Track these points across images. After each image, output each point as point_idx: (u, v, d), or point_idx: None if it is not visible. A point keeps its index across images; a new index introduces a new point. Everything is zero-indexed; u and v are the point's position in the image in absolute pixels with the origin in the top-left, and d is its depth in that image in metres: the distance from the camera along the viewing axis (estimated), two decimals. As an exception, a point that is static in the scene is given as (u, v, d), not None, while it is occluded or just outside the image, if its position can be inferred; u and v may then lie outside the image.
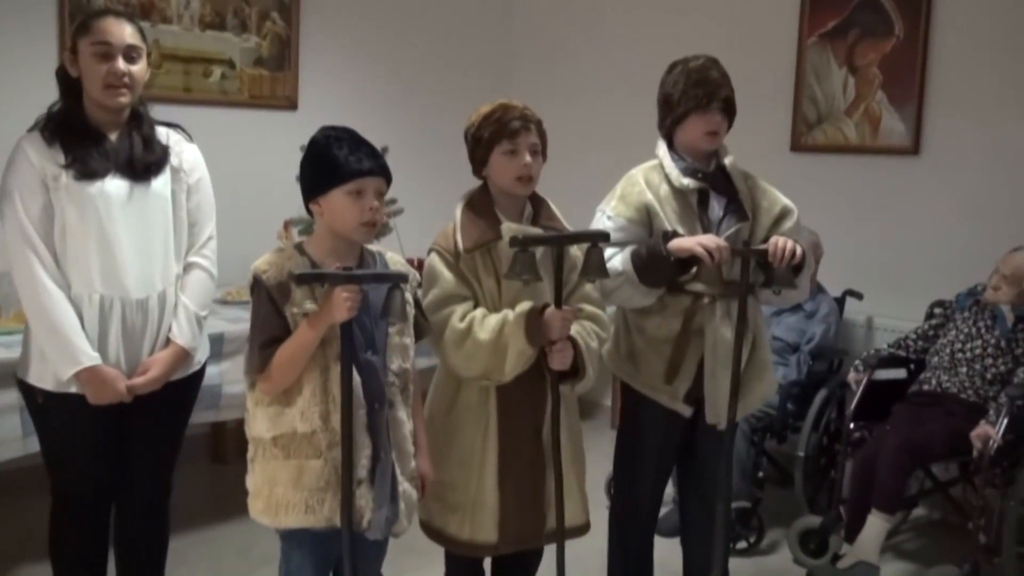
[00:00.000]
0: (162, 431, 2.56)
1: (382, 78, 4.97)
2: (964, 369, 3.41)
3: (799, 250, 2.48)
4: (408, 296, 2.25)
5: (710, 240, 2.45)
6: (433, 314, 2.37)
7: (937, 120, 4.03)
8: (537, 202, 2.52)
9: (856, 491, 3.29)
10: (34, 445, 2.68)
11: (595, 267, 2.33)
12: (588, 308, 2.46)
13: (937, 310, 3.72)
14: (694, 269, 2.54)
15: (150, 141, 2.46)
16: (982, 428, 3.13)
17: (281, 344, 2.11)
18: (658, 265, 2.49)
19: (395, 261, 2.32)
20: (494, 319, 2.34)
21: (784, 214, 2.67)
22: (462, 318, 2.35)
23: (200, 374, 2.62)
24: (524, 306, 2.33)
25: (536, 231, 2.40)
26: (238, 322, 3.41)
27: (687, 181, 2.60)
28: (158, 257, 2.45)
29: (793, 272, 2.50)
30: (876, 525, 3.17)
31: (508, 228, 2.38)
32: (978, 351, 3.40)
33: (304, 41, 4.62)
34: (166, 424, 2.56)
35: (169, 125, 2.56)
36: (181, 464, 2.68)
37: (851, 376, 3.60)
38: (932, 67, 4.02)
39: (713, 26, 4.63)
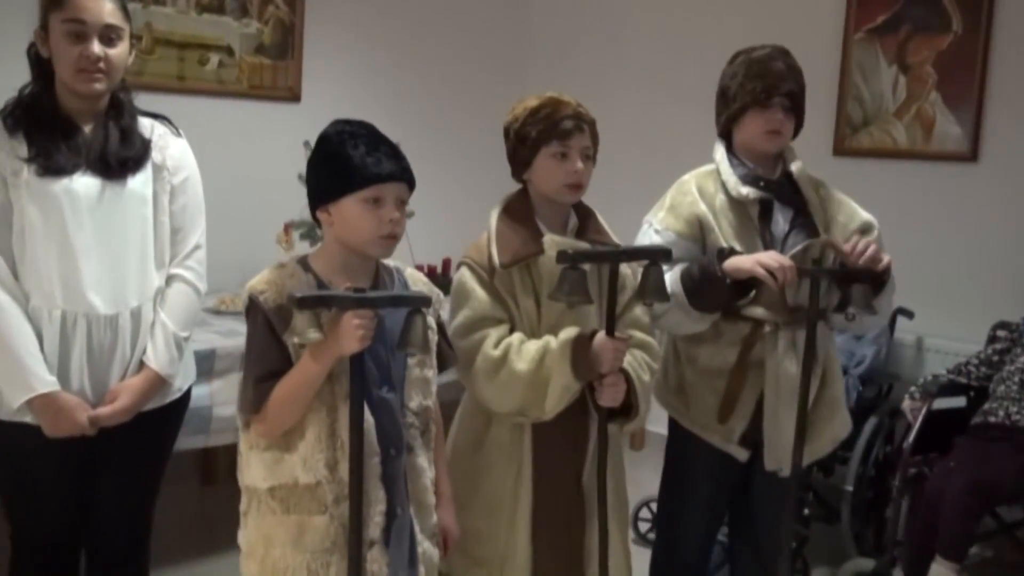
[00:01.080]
0: (135, 468, 2.22)
1: (391, 70, 4.63)
2: (1036, 400, 3.09)
3: (885, 257, 2.16)
4: (431, 321, 1.92)
5: (771, 259, 2.13)
6: (463, 338, 2.05)
7: (998, 124, 3.70)
8: (583, 213, 2.20)
9: (917, 534, 2.97)
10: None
11: (653, 288, 2.01)
12: (638, 335, 2.14)
13: (1001, 332, 3.40)
14: (753, 292, 2.21)
15: (129, 133, 2.14)
16: (1061, 469, 2.81)
17: (281, 379, 1.78)
18: (712, 288, 2.17)
19: (416, 280, 1.99)
20: (534, 347, 2.01)
21: (865, 230, 2.35)
22: (496, 344, 2.03)
23: (183, 402, 2.29)
24: (569, 332, 2.00)
25: (583, 245, 2.08)
26: (232, 335, 3.08)
27: (746, 190, 2.28)
28: (133, 268, 2.12)
29: (872, 290, 2.18)
30: (942, 574, 2.84)
31: (553, 241, 2.06)
32: (1052, 381, 3.08)
33: (309, 27, 4.28)
34: (140, 460, 2.23)
35: (155, 116, 2.24)
36: (166, 485, 2.35)
37: (906, 404, 3.27)
38: (993, 66, 3.70)
39: (746, 19, 4.30)
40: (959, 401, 3.34)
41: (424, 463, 1.92)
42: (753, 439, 2.32)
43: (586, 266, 1.99)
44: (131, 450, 2.16)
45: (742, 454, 2.33)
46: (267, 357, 1.79)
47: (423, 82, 4.74)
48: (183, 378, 2.25)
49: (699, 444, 2.35)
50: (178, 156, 2.22)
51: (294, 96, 4.29)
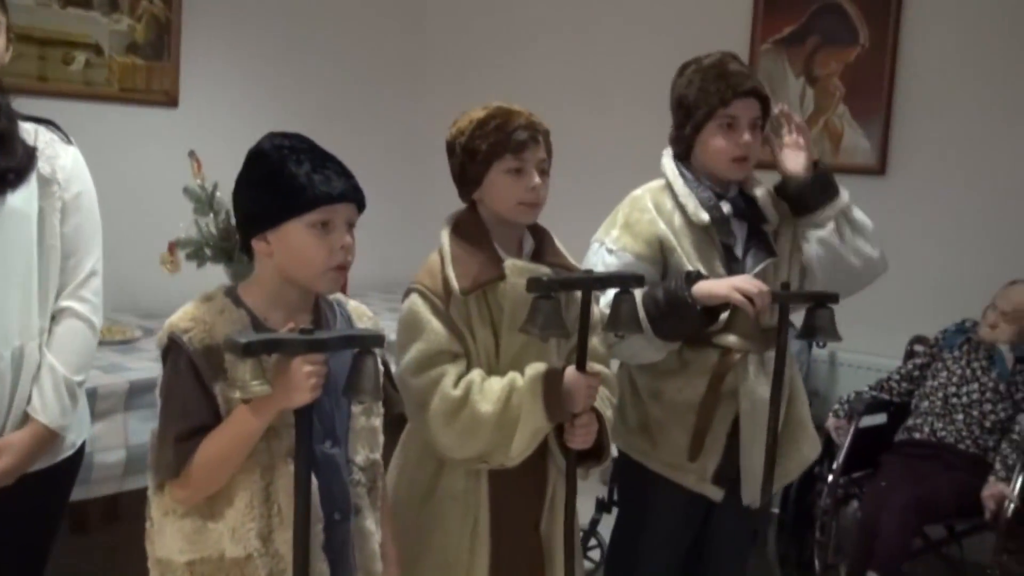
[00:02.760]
0: (18, 542, 1.86)
1: (277, 72, 4.29)
2: (960, 416, 3.07)
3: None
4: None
5: (748, 283, 1.98)
6: (415, 376, 1.82)
7: (905, 137, 3.71)
8: (539, 233, 1.99)
9: (858, 553, 2.89)
10: None
11: (626, 318, 1.84)
12: (596, 367, 1.94)
13: (919, 347, 3.38)
14: (723, 317, 2.06)
15: (8, 140, 1.80)
16: (995, 487, 2.80)
17: (206, 435, 1.50)
18: (680, 314, 2.00)
19: (360, 314, 1.74)
20: (498, 385, 1.80)
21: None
22: (456, 382, 1.79)
23: (76, 460, 1.95)
24: (537, 369, 1.80)
25: (545, 270, 1.88)
26: (114, 371, 2.72)
27: (707, 216, 2.12)
28: (14, 300, 1.78)
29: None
30: (878, 592, 2.78)
31: (516, 267, 1.85)
32: (975, 396, 3.07)
33: (187, 26, 3.91)
34: (23, 531, 1.87)
35: (39, 121, 1.90)
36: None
37: (831, 422, 3.22)
38: (900, 79, 3.70)
39: (655, 30, 4.20)
40: (880, 418, 3.30)
41: (372, 526, 1.68)
42: (726, 475, 2.16)
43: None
44: (13, 519, 1.81)
45: (717, 494, 2.17)
46: (191, 410, 1.51)
47: (312, 87, 4.41)
48: (77, 431, 1.91)
49: (665, 486, 2.17)
50: (70, 167, 1.89)
51: (171, 100, 3.91)
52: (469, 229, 1.93)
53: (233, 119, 4.05)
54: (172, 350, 1.54)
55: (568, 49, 4.45)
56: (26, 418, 1.80)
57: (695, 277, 2.02)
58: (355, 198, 1.60)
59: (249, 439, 1.50)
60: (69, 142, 1.93)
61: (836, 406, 3.25)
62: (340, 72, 4.52)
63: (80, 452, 1.96)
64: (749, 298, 1.94)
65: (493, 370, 1.87)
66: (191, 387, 1.51)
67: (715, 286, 1.99)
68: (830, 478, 3.08)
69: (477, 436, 1.80)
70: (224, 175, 3.42)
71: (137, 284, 3.46)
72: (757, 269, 2.12)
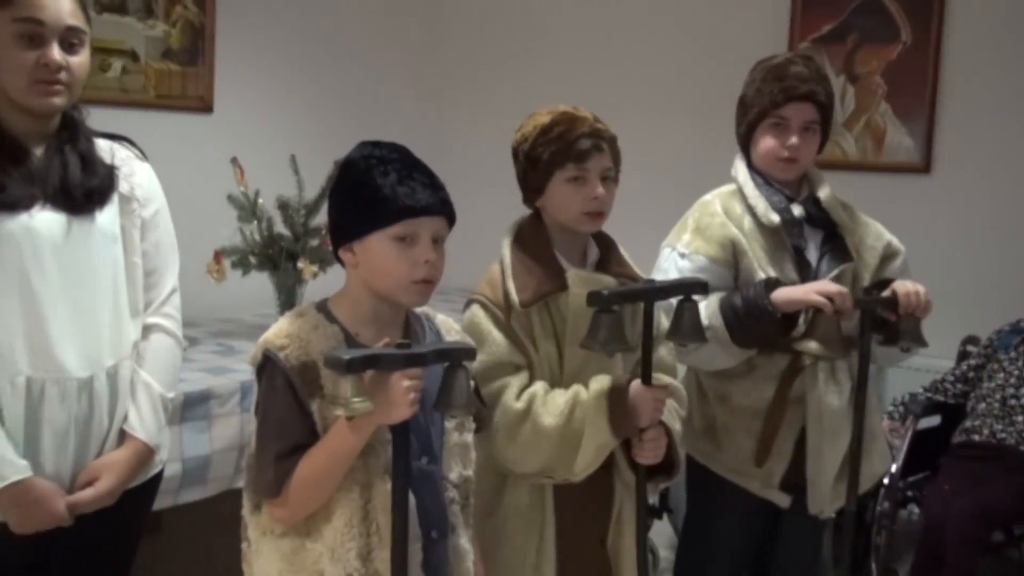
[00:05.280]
0: (111, 552, 1.85)
1: (310, 79, 4.25)
2: (1020, 417, 3.04)
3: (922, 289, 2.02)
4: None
5: (828, 286, 1.95)
6: (479, 388, 1.77)
7: (950, 134, 3.66)
8: (604, 242, 1.95)
9: (922, 559, 2.85)
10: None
11: (690, 328, 1.80)
12: (664, 379, 1.90)
13: (972, 348, 3.34)
14: (800, 323, 2.02)
15: (90, 159, 1.77)
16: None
17: (304, 453, 1.47)
18: (759, 322, 1.97)
19: (448, 327, 1.70)
20: (561, 398, 1.76)
21: (892, 253, 2.21)
22: (519, 395, 1.76)
23: (160, 474, 1.93)
24: (602, 383, 1.76)
25: (609, 280, 1.84)
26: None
27: (777, 218, 2.08)
28: (106, 319, 1.76)
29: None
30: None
31: (578, 277, 1.81)
32: (1035, 397, 3.03)
33: (221, 31, 3.87)
34: (114, 547, 1.86)
35: (113, 137, 1.88)
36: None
37: (885, 424, 3.16)
38: (944, 76, 3.65)
39: (690, 29, 4.15)
40: (935, 420, 3.26)
41: (467, 544, 1.64)
42: (793, 482, 2.12)
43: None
44: (107, 533, 1.78)
45: (784, 500, 2.14)
46: (289, 428, 1.48)
47: (339, 91, 4.37)
48: (165, 448, 1.89)
49: (731, 491, 2.14)
50: (147, 184, 1.87)
51: (205, 106, 3.87)
52: (531, 238, 1.89)
53: (266, 124, 4.02)
54: (267, 367, 1.50)
55: (597, 50, 4.39)
56: (122, 436, 1.77)
57: (773, 284, 1.98)
58: (443, 211, 1.56)
59: (348, 457, 1.46)
60: (144, 158, 1.91)
61: (890, 408, 3.21)
62: (365, 75, 4.47)
63: (162, 470, 1.94)
64: (829, 299, 1.91)
65: (556, 382, 1.83)
66: (288, 405, 1.48)
67: (794, 291, 1.96)
68: (887, 481, 3.04)
69: (539, 450, 1.77)
70: (258, 180, 3.43)
71: (185, 293, 3.46)
72: (833, 273, 2.09)
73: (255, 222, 3.20)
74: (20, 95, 1.66)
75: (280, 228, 3.23)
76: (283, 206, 3.19)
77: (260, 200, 3.26)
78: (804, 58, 2.16)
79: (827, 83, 2.15)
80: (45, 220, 1.67)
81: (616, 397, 1.75)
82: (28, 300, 1.65)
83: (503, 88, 4.56)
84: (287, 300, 3.19)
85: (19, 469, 1.63)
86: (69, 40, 1.69)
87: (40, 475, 1.66)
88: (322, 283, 3.26)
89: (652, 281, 1.85)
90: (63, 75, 1.67)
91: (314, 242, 3.19)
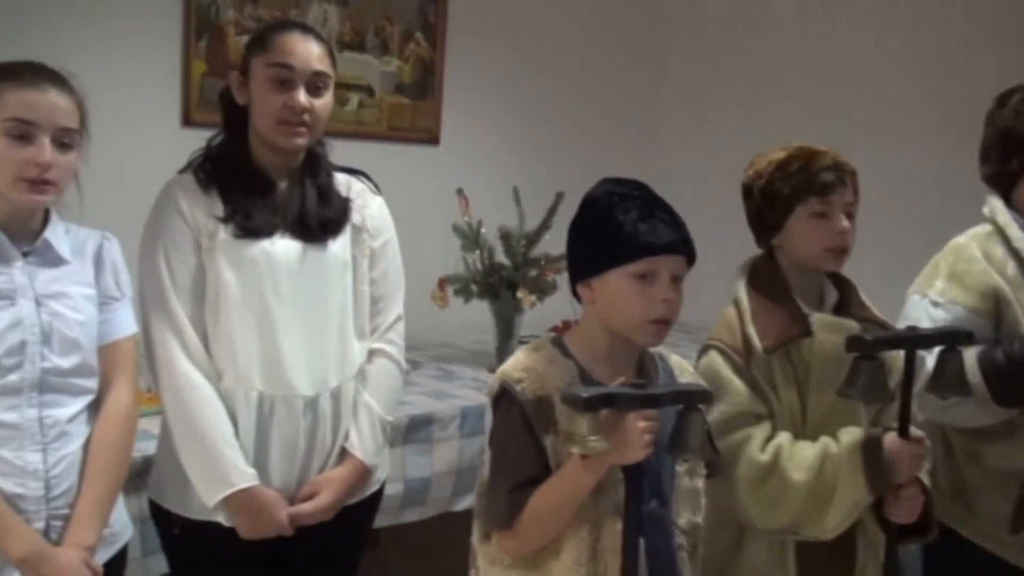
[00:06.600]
0: (335, 567, 1.96)
1: (531, 113, 4.33)
2: None
3: None
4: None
5: None
6: (718, 439, 1.72)
7: None
8: (842, 284, 1.86)
9: None
10: (159, 569, 2.07)
11: (953, 380, 1.69)
12: (918, 433, 1.79)
13: None
14: None
15: (327, 192, 1.90)
16: None
17: (536, 487, 1.48)
18: None
19: (682, 368, 1.67)
20: (810, 451, 1.69)
21: None
22: (763, 446, 1.69)
23: (379, 493, 2.00)
24: (854, 435, 1.67)
25: (854, 325, 1.75)
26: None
27: None
28: (333, 342, 1.86)
29: None
30: None
31: (823, 321, 1.74)
32: None
33: (450, 67, 4.02)
34: (334, 562, 1.95)
35: (351, 172, 1.99)
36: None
37: None
38: None
39: (927, 55, 3.91)
40: None
41: (694, 593, 1.60)
42: None
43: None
44: (326, 550, 1.89)
45: None
46: (523, 462, 1.50)
47: (559, 126, 4.43)
48: (383, 467, 1.98)
49: (981, 556, 1.98)
50: (378, 216, 1.98)
51: (432, 138, 4.02)
52: (767, 280, 1.83)
53: (489, 156, 4.14)
54: (504, 399, 1.53)
55: (826, 85, 4.23)
56: (343, 454, 1.85)
57: (1047, 338, 1.83)
58: (683, 250, 1.54)
59: (579, 495, 1.46)
60: (377, 192, 2.01)
61: None
62: (588, 111, 4.51)
63: (382, 488, 2.02)
64: None
65: (799, 433, 1.77)
66: (523, 439, 1.50)
67: None
68: None
69: (786, 505, 1.70)
70: (481, 211, 3.52)
71: (409, 319, 3.62)
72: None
73: (477, 251, 3.29)
74: (269, 134, 1.80)
75: (501, 258, 3.30)
76: (505, 236, 3.26)
77: (483, 230, 3.34)
78: None
79: None
80: (284, 247, 1.80)
81: (871, 451, 1.67)
82: (265, 320, 1.77)
83: (728, 127, 4.48)
84: (505, 328, 3.26)
85: (247, 477, 1.74)
86: (315, 84, 1.81)
87: (267, 485, 1.77)
88: (540, 312, 3.32)
89: (915, 328, 1.75)
90: (307, 116, 1.79)
91: (533, 272, 3.23)
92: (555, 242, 3.14)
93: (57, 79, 1.59)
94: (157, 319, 1.75)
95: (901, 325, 1.92)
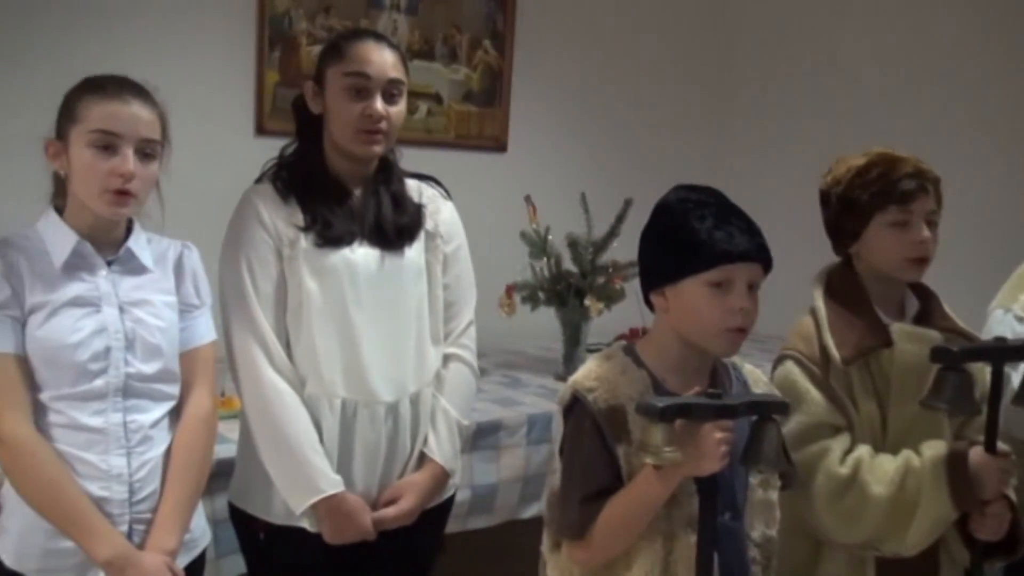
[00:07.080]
0: (412, 569, 1.98)
1: (596, 123, 4.32)
2: None
3: None
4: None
5: None
6: (795, 450, 1.69)
7: None
8: (923, 293, 1.82)
9: None
10: (233, 571, 2.11)
11: None
12: (1005, 447, 1.73)
13: None
14: None
15: (401, 199, 1.91)
16: None
17: (608, 497, 1.47)
18: None
19: (756, 378, 1.65)
20: (891, 465, 1.65)
21: None
22: (842, 459, 1.66)
23: (450, 501, 2.01)
24: (938, 449, 1.63)
25: (935, 335, 1.71)
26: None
27: None
28: (411, 348, 1.87)
29: None
30: None
31: (904, 332, 1.70)
32: None
33: (517, 74, 4.03)
34: (416, 561, 1.97)
35: (422, 178, 2.01)
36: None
37: None
38: None
39: (1010, 55, 3.80)
40: None
41: (767, 609, 1.57)
42: None
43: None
44: (403, 554, 1.90)
45: None
46: (595, 471, 1.49)
47: (633, 135, 4.41)
48: (458, 473, 1.99)
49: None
50: (450, 222, 1.99)
51: (499, 146, 4.04)
52: (845, 288, 1.80)
53: (556, 163, 4.13)
54: (575, 409, 1.53)
55: (898, 91, 4.12)
56: (422, 459, 1.87)
57: None
58: (760, 258, 1.52)
59: (653, 506, 1.45)
60: (448, 197, 2.02)
61: None
62: (654, 119, 4.48)
63: (454, 494, 2.03)
64: None
65: (879, 445, 1.73)
66: (595, 448, 1.49)
67: None
68: None
69: (865, 520, 1.67)
70: (548, 218, 3.51)
71: (478, 326, 3.66)
72: None
73: (545, 259, 3.29)
74: (346, 142, 1.82)
75: (568, 265, 3.29)
76: (572, 244, 3.25)
77: (550, 237, 3.34)
78: None
79: None
80: (363, 255, 1.82)
81: (956, 465, 1.63)
82: (346, 328, 1.79)
83: (794, 135, 4.40)
84: (572, 336, 3.25)
85: (334, 483, 1.76)
86: (391, 91, 1.83)
87: (350, 490, 1.79)
88: (607, 319, 3.30)
89: (1003, 339, 1.70)
90: (383, 124, 1.81)
91: (601, 280, 3.22)
92: (623, 249, 3.12)
93: (140, 91, 1.63)
94: (240, 328, 1.77)
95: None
